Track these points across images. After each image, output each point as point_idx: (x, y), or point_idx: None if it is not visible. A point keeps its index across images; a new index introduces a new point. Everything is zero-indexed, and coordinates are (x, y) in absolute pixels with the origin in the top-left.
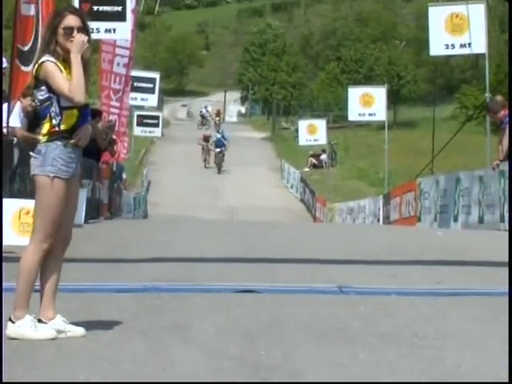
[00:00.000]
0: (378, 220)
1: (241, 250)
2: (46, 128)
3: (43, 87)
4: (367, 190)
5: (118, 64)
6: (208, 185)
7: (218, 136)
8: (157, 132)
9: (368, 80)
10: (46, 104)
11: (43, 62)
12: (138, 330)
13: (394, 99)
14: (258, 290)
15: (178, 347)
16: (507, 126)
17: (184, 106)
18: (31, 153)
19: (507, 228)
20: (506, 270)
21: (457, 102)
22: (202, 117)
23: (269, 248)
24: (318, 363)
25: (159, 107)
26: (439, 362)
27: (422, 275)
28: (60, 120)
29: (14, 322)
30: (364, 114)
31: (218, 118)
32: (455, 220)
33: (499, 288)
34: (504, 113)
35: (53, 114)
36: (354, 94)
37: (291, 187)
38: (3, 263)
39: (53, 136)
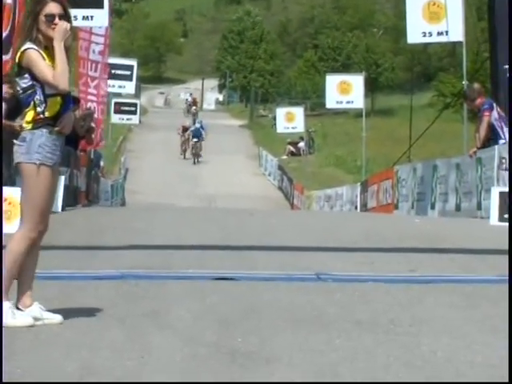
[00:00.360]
0: (356, 207)
1: (218, 237)
2: (30, 116)
3: (26, 75)
4: (345, 178)
5: (94, 51)
6: (186, 173)
7: (197, 126)
8: (134, 119)
9: (346, 68)
10: (30, 92)
11: (26, 49)
12: (115, 317)
13: (371, 87)
14: (235, 277)
15: (155, 334)
16: (484, 113)
17: (162, 93)
18: (15, 141)
19: (484, 215)
20: (482, 257)
21: (434, 89)
22: (190, 105)
23: (246, 235)
24: (295, 349)
25: (137, 95)
26: (415, 349)
27: (398, 262)
28: (44, 107)
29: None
30: (342, 102)
31: (194, 107)
32: (432, 207)
33: (475, 275)
34: (480, 100)
35: (37, 102)
36: (332, 81)
37: (269, 175)
38: None
39: (38, 123)
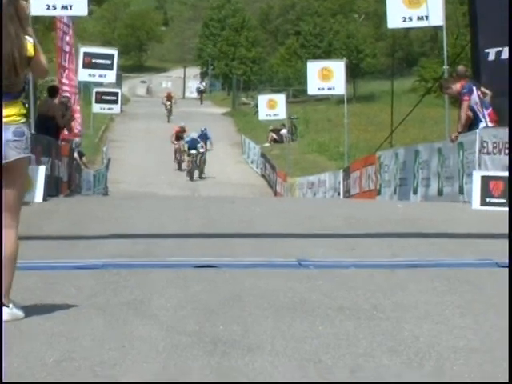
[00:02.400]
0: (339, 194)
1: (200, 225)
2: (23, 108)
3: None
4: (327, 164)
5: (64, 41)
6: (168, 161)
7: (193, 136)
8: (115, 109)
9: (327, 54)
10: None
11: (30, 41)
12: (96, 307)
13: (353, 73)
14: (217, 265)
15: (136, 323)
16: (463, 98)
17: (143, 82)
18: (14, 136)
19: (466, 200)
20: (464, 241)
21: (416, 75)
22: (164, 101)
23: (228, 223)
24: (277, 337)
25: (118, 84)
26: (397, 334)
27: (380, 248)
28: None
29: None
30: (323, 88)
31: (169, 103)
32: (415, 192)
33: (457, 259)
34: (461, 84)
35: (24, 94)
36: (313, 68)
37: (252, 162)
38: None
39: (26, 116)
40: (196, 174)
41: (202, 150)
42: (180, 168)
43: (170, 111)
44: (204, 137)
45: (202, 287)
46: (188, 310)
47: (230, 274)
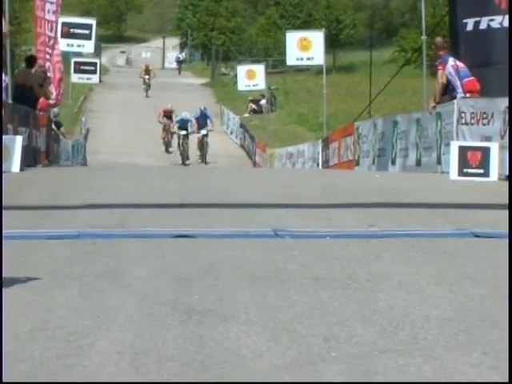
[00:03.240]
0: (318, 164)
1: (178, 195)
2: None
3: None
4: (307, 135)
5: (49, 11)
6: (148, 131)
7: (185, 116)
8: (94, 79)
9: (307, 25)
10: None
11: None
12: (71, 277)
13: (333, 44)
14: (193, 235)
15: (112, 293)
16: (437, 68)
17: (123, 52)
18: None
19: (444, 170)
20: (441, 211)
21: (396, 45)
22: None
23: (206, 193)
24: (251, 307)
25: (97, 54)
26: (372, 304)
27: (356, 218)
28: None
29: None
30: (302, 59)
31: (147, 77)
32: (393, 163)
33: (434, 230)
34: (442, 53)
35: None
36: (292, 38)
37: (231, 133)
38: None
39: None
40: (192, 158)
41: (204, 132)
42: (167, 150)
43: (148, 85)
44: (203, 117)
45: (178, 257)
46: (163, 279)
47: (206, 244)
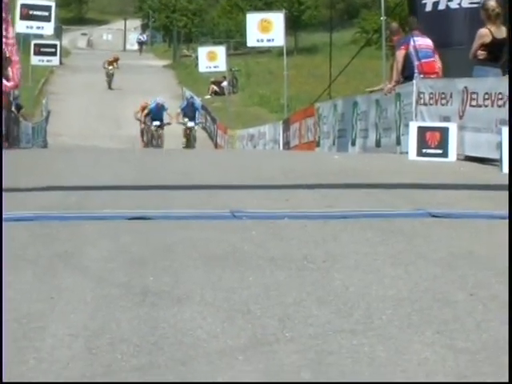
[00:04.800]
0: (279, 146)
1: (135, 177)
2: None
3: None
4: (269, 117)
5: None
6: (110, 114)
7: (160, 101)
8: (55, 61)
9: (269, 6)
10: None
11: None
12: (25, 259)
13: (294, 25)
14: (149, 216)
15: (66, 275)
16: (400, 47)
17: (84, 34)
18: None
19: (403, 150)
20: (400, 191)
21: (357, 26)
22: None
23: (164, 175)
24: (207, 288)
25: (58, 36)
26: (327, 284)
27: (314, 199)
28: None
29: None
30: (262, 40)
31: (111, 67)
32: (353, 144)
33: (392, 210)
34: (397, 38)
35: None
36: (252, 19)
37: None
38: None
39: None
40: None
41: (191, 124)
42: (147, 145)
43: (111, 76)
44: (191, 108)
45: (134, 239)
46: (118, 261)
47: (163, 226)
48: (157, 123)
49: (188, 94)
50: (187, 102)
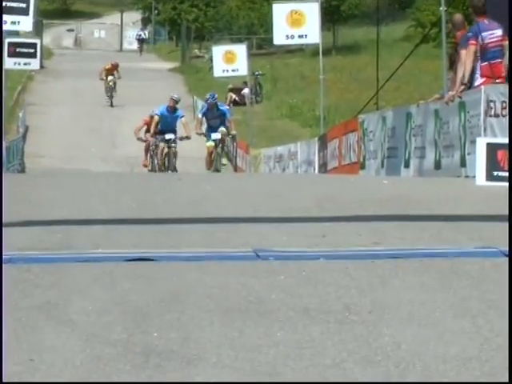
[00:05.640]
0: (314, 169)
1: (136, 209)
2: None
3: None
4: (300, 132)
5: None
6: (102, 130)
7: (176, 98)
8: (34, 64)
9: None
10: None
11: None
12: None
13: (332, 18)
14: (153, 257)
15: (48, 331)
16: (469, 42)
17: (70, 31)
18: None
19: (469, 173)
20: (464, 224)
21: (411, 19)
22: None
23: (171, 206)
24: (224, 346)
25: (38, 33)
26: (374, 341)
27: (358, 234)
28: None
29: None
30: (293, 37)
31: (111, 77)
32: (406, 166)
33: (454, 248)
34: (461, 33)
35: None
36: (280, 11)
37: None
38: None
39: None
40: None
41: (217, 136)
42: (154, 169)
43: (112, 90)
44: (214, 111)
45: (134, 285)
46: (115, 314)
47: (169, 269)
48: (170, 136)
49: (209, 94)
50: (208, 105)
